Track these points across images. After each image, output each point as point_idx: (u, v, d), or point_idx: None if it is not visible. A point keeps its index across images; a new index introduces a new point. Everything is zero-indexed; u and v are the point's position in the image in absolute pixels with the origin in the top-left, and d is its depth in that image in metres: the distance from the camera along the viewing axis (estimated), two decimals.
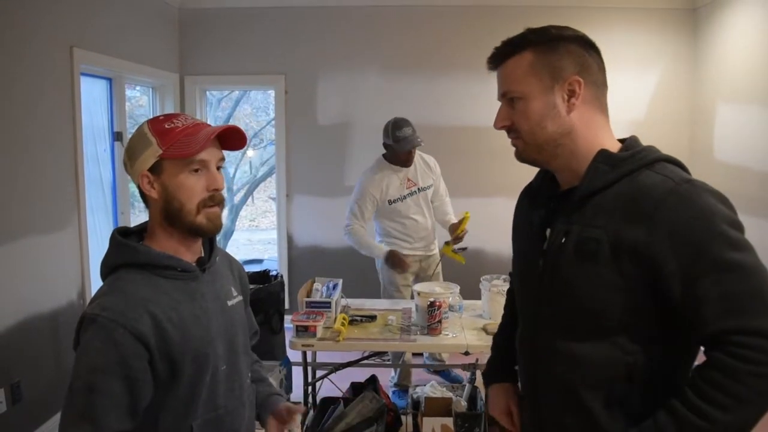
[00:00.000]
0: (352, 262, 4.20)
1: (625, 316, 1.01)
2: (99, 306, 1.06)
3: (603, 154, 1.06)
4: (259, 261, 7.24)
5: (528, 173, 1.22)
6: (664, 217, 0.96)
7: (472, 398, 2.91)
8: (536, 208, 1.18)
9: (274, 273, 3.54)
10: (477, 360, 2.90)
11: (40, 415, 2.91)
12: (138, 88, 5.01)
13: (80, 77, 3.23)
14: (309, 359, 2.82)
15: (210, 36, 4.48)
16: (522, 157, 1.13)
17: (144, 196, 1.17)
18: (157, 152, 1.10)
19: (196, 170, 1.13)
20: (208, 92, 5.06)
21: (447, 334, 2.56)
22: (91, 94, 3.61)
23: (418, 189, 3.30)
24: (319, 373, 2.92)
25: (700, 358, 0.99)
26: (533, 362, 1.17)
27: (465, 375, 3.08)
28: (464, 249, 3.18)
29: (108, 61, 3.50)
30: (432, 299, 2.55)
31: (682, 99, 4.41)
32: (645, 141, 1.10)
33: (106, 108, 3.74)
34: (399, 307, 2.94)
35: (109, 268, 1.14)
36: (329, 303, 2.65)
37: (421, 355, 3.64)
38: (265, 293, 3.25)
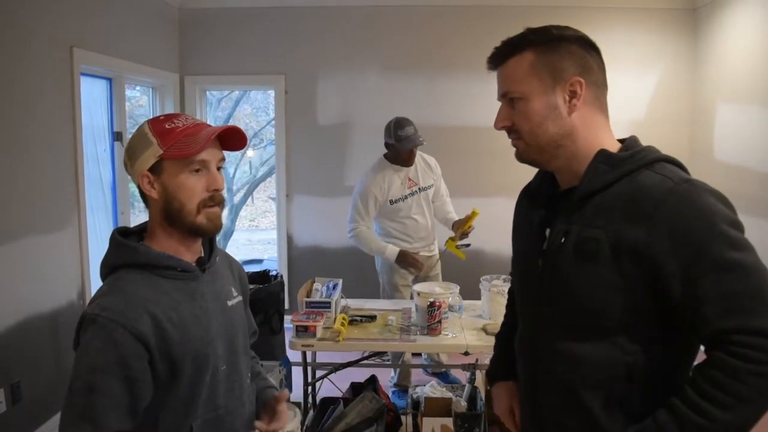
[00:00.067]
0: (352, 262, 4.20)
1: (625, 316, 1.01)
2: (99, 306, 1.06)
3: (602, 154, 1.06)
4: (259, 261, 7.24)
5: (528, 173, 1.22)
6: (664, 217, 0.96)
7: (472, 398, 2.91)
8: (536, 208, 1.18)
9: (273, 273, 3.54)
10: (477, 360, 2.90)
11: (40, 415, 2.91)
12: (138, 88, 5.01)
13: (80, 77, 3.23)
14: (309, 359, 2.82)
15: (210, 36, 4.48)
16: (523, 157, 1.13)
17: (144, 196, 1.17)
18: (157, 152, 1.10)
19: (197, 170, 1.13)
20: (208, 92, 5.06)
21: (447, 335, 2.56)
22: (91, 94, 3.61)
23: (419, 189, 3.30)
24: (319, 373, 2.92)
25: (700, 358, 0.99)
26: (533, 362, 1.17)
27: (465, 375, 3.08)
28: (467, 245, 3.19)
29: (108, 61, 3.50)
30: (432, 299, 2.55)
31: (682, 99, 4.41)
32: (645, 141, 1.10)
33: (106, 108, 3.74)
34: (399, 307, 2.94)
35: (108, 268, 1.14)
36: (329, 303, 2.65)
37: (420, 355, 3.64)
38: (264, 293, 3.25)
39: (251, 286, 2.59)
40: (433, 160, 3.42)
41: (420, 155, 3.33)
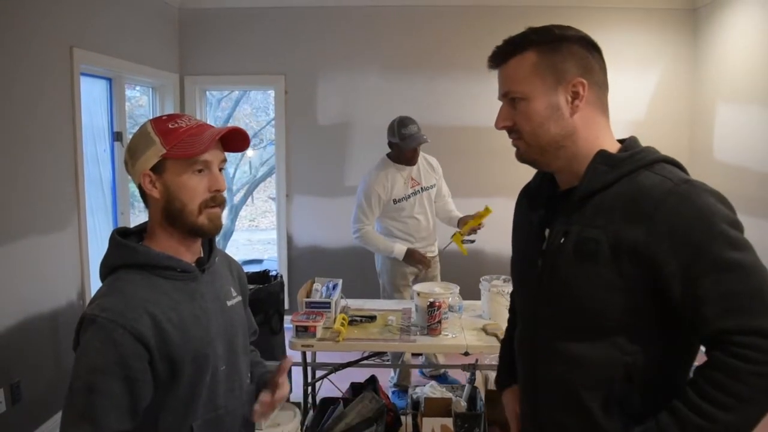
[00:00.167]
0: (352, 262, 4.20)
1: (625, 317, 1.01)
2: (98, 306, 1.06)
3: (602, 154, 1.06)
4: (259, 261, 7.23)
5: (528, 173, 1.22)
6: (664, 217, 0.96)
7: (472, 399, 2.91)
8: (535, 209, 1.18)
9: (273, 273, 3.54)
10: (477, 360, 2.89)
11: (39, 415, 2.91)
12: (138, 88, 5.00)
13: (80, 77, 3.23)
14: (309, 359, 2.82)
15: (210, 36, 4.48)
16: (523, 158, 1.13)
17: (144, 196, 1.16)
18: (160, 151, 1.10)
19: (200, 171, 1.13)
20: (207, 92, 5.06)
21: (447, 335, 2.56)
22: (91, 94, 3.61)
23: (422, 188, 3.31)
24: (319, 373, 2.92)
25: (700, 359, 0.99)
26: (533, 362, 1.17)
27: (464, 376, 3.08)
28: (472, 242, 3.19)
29: (108, 61, 3.50)
30: (432, 299, 2.55)
31: (682, 99, 4.41)
32: (645, 141, 1.10)
33: (105, 108, 3.74)
34: (399, 307, 2.94)
35: (108, 269, 1.14)
36: (329, 303, 2.65)
37: (420, 355, 3.64)
38: (264, 293, 3.24)
39: (251, 287, 2.59)
40: (435, 160, 3.43)
41: (422, 155, 3.34)
